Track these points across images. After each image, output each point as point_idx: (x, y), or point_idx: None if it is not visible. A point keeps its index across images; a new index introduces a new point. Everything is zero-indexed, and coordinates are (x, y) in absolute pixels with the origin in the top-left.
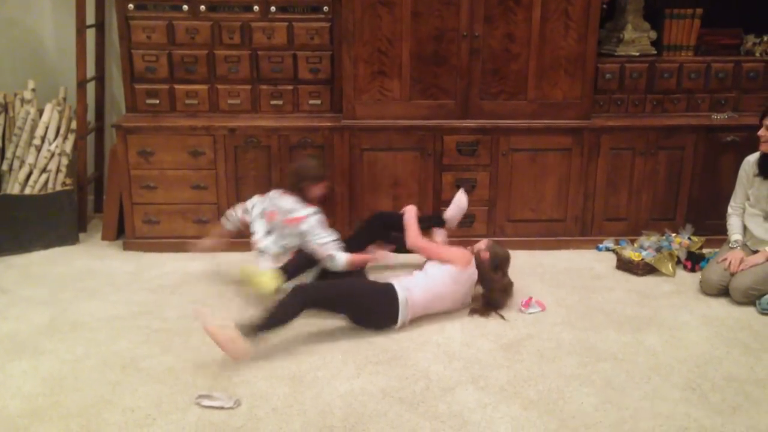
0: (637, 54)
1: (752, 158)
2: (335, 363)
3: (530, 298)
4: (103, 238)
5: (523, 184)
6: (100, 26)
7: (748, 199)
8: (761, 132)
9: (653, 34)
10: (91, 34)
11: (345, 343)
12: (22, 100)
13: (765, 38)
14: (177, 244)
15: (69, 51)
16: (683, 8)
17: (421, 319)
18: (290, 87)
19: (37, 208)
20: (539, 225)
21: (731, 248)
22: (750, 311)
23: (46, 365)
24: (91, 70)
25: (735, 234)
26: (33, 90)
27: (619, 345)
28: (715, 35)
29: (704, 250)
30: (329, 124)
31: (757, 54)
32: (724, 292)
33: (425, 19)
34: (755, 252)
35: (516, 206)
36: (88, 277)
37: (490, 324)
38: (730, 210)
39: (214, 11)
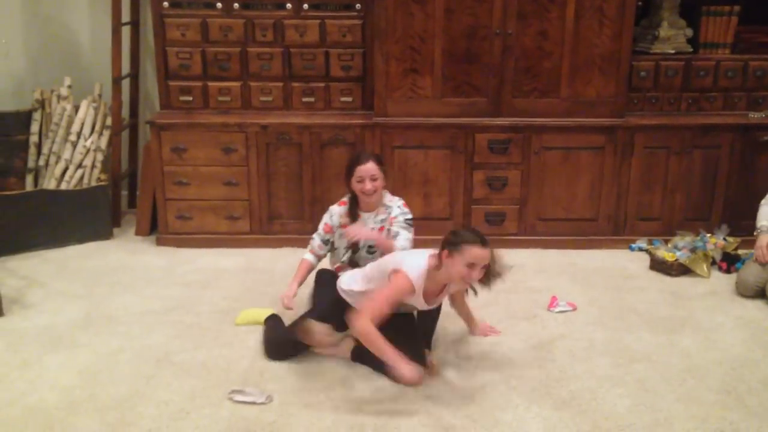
0: (673, 52)
1: None
2: None
3: (554, 298)
4: (137, 233)
5: (554, 183)
6: (135, 24)
7: None
8: None
9: (689, 32)
10: (126, 32)
11: None
12: (59, 97)
13: None
14: (209, 239)
15: (104, 48)
16: (720, 5)
17: (449, 317)
18: (322, 84)
19: (72, 203)
20: (571, 224)
21: (758, 234)
22: None
23: (81, 358)
24: (126, 67)
25: (762, 220)
26: (69, 87)
27: (653, 346)
28: (752, 33)
29: (740, 251)
30: (361, 121)
31: None
32: (760, 293)
33: (458, 17)
34: None
35: (547, 205)
36: (122, 272)
37: (521, 323)
38: (763, 201)
39: (248, 9)
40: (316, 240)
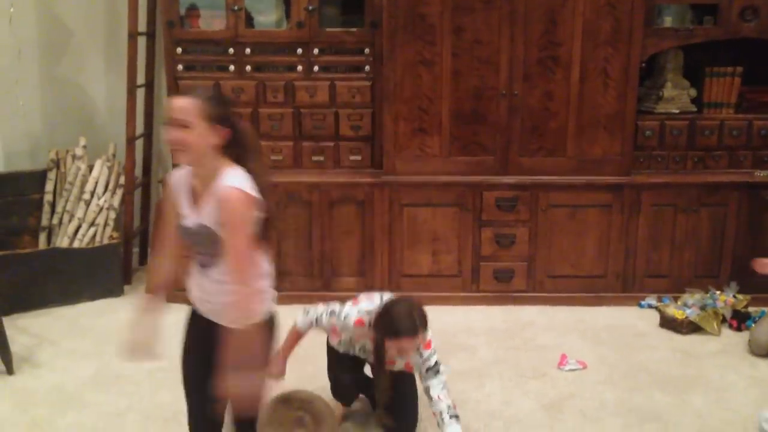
0: (677, 111)
1: None
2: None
3: (564, 355)
4: (147, 290)
5: (562, 240)
6: (149, 85)
7: None
8: None
9: (693, 92)
10: (140, 93)
11: None
12: (74, 157)
13: None
14: None
15: (119, 109)
16: (723, 66)
17: (459, 375)
18: (331, 143)
19: (84, 261)
20: (579, 281)
21: None
22: None
23: (90, 419)
24: (140, 128)
25: None
26: (84, 147)
27: (664, 406)
28: (756, 93)
29: (750, 309)
30: (370, 179)
31: None
32: None
33: (465, 78)
34: None
35: (556, 262)
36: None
37: (531, 382)
38: None
39: (260, 71)
40: (320, 319)
